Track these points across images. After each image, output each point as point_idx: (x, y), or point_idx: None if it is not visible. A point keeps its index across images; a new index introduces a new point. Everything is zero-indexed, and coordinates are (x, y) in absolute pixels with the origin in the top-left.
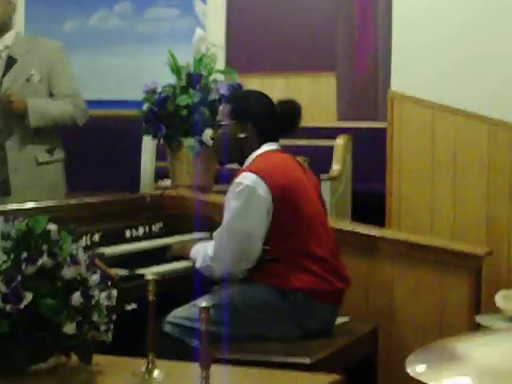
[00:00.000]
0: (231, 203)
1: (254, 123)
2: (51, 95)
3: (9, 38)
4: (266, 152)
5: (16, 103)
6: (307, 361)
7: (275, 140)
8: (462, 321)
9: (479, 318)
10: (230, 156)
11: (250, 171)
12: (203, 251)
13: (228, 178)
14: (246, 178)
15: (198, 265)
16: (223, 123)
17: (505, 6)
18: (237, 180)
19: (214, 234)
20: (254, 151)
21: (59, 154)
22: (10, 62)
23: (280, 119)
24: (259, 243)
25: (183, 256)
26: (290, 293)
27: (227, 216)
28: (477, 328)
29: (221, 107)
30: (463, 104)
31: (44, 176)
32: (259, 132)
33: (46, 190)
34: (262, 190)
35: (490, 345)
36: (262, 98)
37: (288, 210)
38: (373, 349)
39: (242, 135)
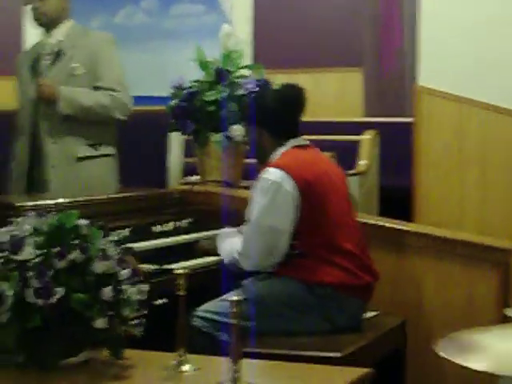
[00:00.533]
0: (258, 199)
1: (260, 126)
2: (95, 88)
3: (63, 30)
4: (292, 148)
5: (45, 87)
6: (337, 355)
7: (296, 133)
8: (490, 314)
9: (508, 311)
10: (256, 156)
11: (276, 167)
12: (231, 247)
13: (256, 173)
14: (272, 174)
15: (226, 260)
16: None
17: None
18: (263, 176)
19: (243, 230)
20: (275, 150)
21: (106, 150)
22: (58, 54)
23: (288, 109)
24: (287, 238)
25: (211, 251)
26: (318, 287)
27: (255, 212)
28: (505, 321)
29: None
30: (490, 98)
31: (87, 171)
32: (273, 133)
33: (89, 185)
34: (289, 185)
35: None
36: (270, 99)
37: (315, 205)
38: (401, 342)
39: (258, 138)
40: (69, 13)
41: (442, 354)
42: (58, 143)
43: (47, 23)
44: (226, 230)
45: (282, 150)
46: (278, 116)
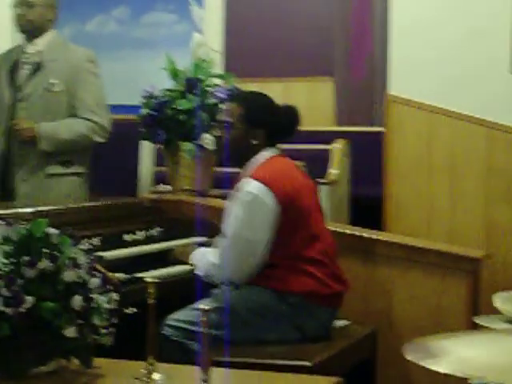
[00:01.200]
0: (236, 211)
1: (265, 130)
2: (72, 107)
3: (44, 40)
4: (270, 158)
5: (25, 131)
6: (307, 364)
7: (274, 145)
8: (460, 323)
9: (478, 319)
10: (235, 159)
11: (255, 179)
12: (206, 258)
13: (227, 182)
14: (251, 186)
15: (200, 272)
16: (230, 124)
17: (505, 11)
18: (243, 187)
19: (219, 241)
20: (256, 154)
21: (77, 169)
22: (37, 67)
23: (283, 126)
24: (264, 251)
25: (183, 260)
26: (289, 295)
27: (232, 224)
28: (475, 329)
29: (225, 105)
30: (460, 107)
31: (54, 187)
32: (268, 139)
33: (55, 200)
34: (268, 198)
35: (477, 342)
36: (271, 102)
37: (291, 217)
38: (372, 352)
39: (254, 142)
40: (53, 24)
41: (409, 357)
42: (29, 158)
43: (31, 31)
44: (197, 238)
45: (258, 158)
46: (282, 129)
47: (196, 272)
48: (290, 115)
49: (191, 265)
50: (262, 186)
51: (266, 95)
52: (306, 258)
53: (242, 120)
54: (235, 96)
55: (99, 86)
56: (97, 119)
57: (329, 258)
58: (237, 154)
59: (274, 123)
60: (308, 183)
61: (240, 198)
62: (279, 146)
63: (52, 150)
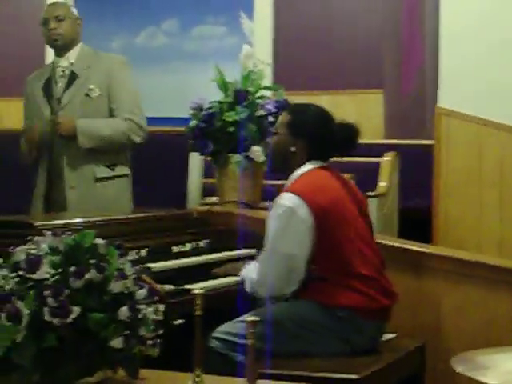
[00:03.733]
0: (272, 225)
1: (306, 141)
2: (111, 110)
3: (73, 53)
4: (310, 170)
5: (63, 125)
6: (355, 377)
7: (324, 159)
8: (510, 337)
9: None
10: (275, 165)
11: (291, 192)
12: (250, 275)
13: (276, 194)
14: (286, 199)
15: (247, 289)
16: (278, 131)
17: None
18: (278, 201)
19: (259, 257)
20: (299, 167)
21: (122, 170)
22: (72, 77)
23: (335, 141)
24: (303, 264)
25: (232, 273)
26: (336, 310)
27: (269, 239)
28: None
29: (280, 116)
30: (510, 119)
31: (104, 192)
32: (309, 150)
33: (106, 206)
34: (303, 211)
35: None
36: (323, 116)
37: (330, 230)
38: (420, 366)
39: (292, 149)
40: (80, 37)
41: (458, 369)
42: (76, 164)
43: (61, 45)
44: (245, 251)
45: (300, 170)
46: (327, 134)
47: (244, 287)
48: (344, 132)
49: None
50: (296, 198)
51: (321, 109)
52: (353, 273)
53: (286, 127)
54: (289, 105)
55: (134, 89)
56: (135, 119)
57: (377, 271)
58: (277, 159)
59: (320, 136)
60: (353, 195)
61: (275, 212)
62: (321, 162)
63: (91, 146)
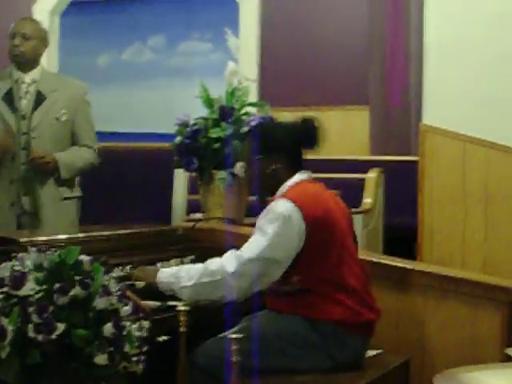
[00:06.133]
0: (264, 228)
1: (281, 155)
2: (73, 135)
3: (36, 72)
4: (300, 182)
5: (49, 164)
6: None
7: (304, 167)
8: (494, 354)
9: (510, 351)
10: (262, 191)
11: (286, 199)
12: (209, 267)
13: (261, 210)
14: (281, 206)
15: (204, 279)
16: (248, 162)
17: None
18: (272, 207)
19: (241, 253)
20: (285, 181)
21: (77, 191)
22: (40, 97)
23: (297, 141)
24: (281, 271)
25: (144, 280)
26: (320, 324)
27: (256, 240)
28: (508, 360)
29: (244, 146)
30: (495, 137)
31: (67, 211)
32: (288, 162)
33: (69, 224)
34: (297, 218)
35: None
36: (287, 127)
37: (320, 240)
38: (404, 381)
39: (272, 168)
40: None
41: None
42: (48, 184)
43: (23, 63)
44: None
45: (289, 182)
46: (298, 147)
47: (180, 284)
48: (304, 128)
49: (154, 285)
50: (290, 204)
51: (281, 122)
52: (338, 284)
53: (257, 151)
54: (252, 132)
55: (92, 115)
56: (95, 146)
57: (361, 285)
58: (262, 184)
59: (289, 146)
60: (341, 209)
61: (268, 216)
62: (312, 174)
63: (70, 177)
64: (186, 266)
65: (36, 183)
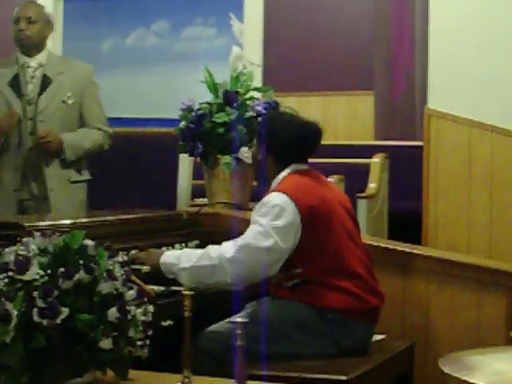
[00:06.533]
0: (259, 220)
1: (270, 150)
2: (82, 118)
3: (42, 56)
4: (291, 174)
5: (54, 144)
6: (344, 378)
7: (299, 161)
8: (498, 338)
9: None
10: (258, 176)
11: (280, 191)
12: (208, 252)
13: (260, 195)
14: (275, 198)
15: (202, 262)
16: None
17: None
18: (265, 199)
19: (239, 240)
20: (276, 174)
21: (86, 175)
22: (46, 81)
23: (303, 143)
24: (281, 261)
25: (145, 263)
26: (325, 311)
27: (254, 230)
28: None
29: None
30: (500, 121)
31: (75, 194)
32: (276, 159)
33: (77, 208)
34: (291, 209)
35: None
36: (287, 129)
37: (318, 230)
38: (409, 366)
39: (259, 157)
40: (47, 42)
41: (445, 370)
42: (55, 167)
43: (29, 47)
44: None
45: (282, 175)
46: (291, 150)
47: (178, 266)
48: (310, 133)
49: (158, 267)
50: (284, 196)
51: (275, 103)
52: (342, 271)
53: (256, 140)
54: (247, 121)
55: (100, 98)
56: (107, 128)
57: (365, 270)
58: (260, 173)
59: (279, 146)
60: (337, 196)
61: (262, 208)
62: (317, 160)
63: (76, 158)
64: (189, 250)
65: (43, 167)
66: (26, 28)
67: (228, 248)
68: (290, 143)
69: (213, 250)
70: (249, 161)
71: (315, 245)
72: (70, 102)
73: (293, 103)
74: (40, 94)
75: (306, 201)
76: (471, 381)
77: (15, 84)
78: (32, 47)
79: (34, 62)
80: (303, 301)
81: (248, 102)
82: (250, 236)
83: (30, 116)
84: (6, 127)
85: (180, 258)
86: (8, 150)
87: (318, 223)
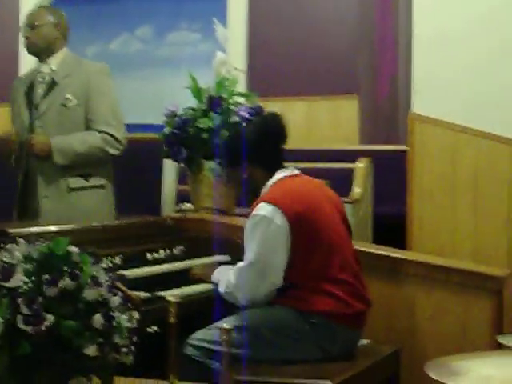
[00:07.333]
0: (249, 236)
1: (252, 162)
2: (87, 121)
3: (55, 59)
4: (280, 180)
5: (38, 145)
6: (328, 383)
7: (282, 163)
8: (484, 342)
9: (501, 339)
10: (246, 196)
11: (265, 201)
12: (227, 277)
13: (246, 204)
14: (262, 209)
15: (221, 290)
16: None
17: None
18: (254, 212)
19: (238, 264)
20: (265, 182)
21: (98, 181)
22: (52, 85)
23: (269, 132)
24: (280, 273)
25: (204, 279)
26: (310, 315)
27: (247, 248)
28: (499, 348)
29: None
30: (484, 126)
31: (79, 202)
32: (263, 166)
33: (81, 216)
34: (279, 219)
35: (500, 361)
36: (251, 132)
37: (306, 236)
38: (395, 371)
39: (244, 177)
40: (64, 42)
41: (432, 375)
42: (50, 175)
43: (38, 52)
44: (219, 257)
45: (271, 182)
46: (266, 147)
47: (218, 289)
48: (269, 127)
49: (212, 283)
50: (270, 206)
51: (259, 108)
52: (328, 277)
53: (227, 166)
54: (231, 126)
55: (113, 99)
56: (111, 131)
57: (354, 275)
58: (250, 189)
59: (257, 152)
60: (329, 198)
61: (251, 222)
62: (301, 165)
63: (67, 163)
64: (224, 271)
65: (37, 174)
66: (29, 35)
67: (232, 273)
68: (263, 140)
69: (230, 275)
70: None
71: (302, 249)
72: (71, 104)
73: (277, 108)
74: (43, 98)
75: (293, 207)
76: None
77: (29, 93)
78: (40, 52)
79: (45, 68)
80: (288, 305)
81: (232, 107)
82: (247, 256)
83: (30, 121)
84: (3, 152)
85: (218, 280)
86: (17, 164)
87: (306, 228)
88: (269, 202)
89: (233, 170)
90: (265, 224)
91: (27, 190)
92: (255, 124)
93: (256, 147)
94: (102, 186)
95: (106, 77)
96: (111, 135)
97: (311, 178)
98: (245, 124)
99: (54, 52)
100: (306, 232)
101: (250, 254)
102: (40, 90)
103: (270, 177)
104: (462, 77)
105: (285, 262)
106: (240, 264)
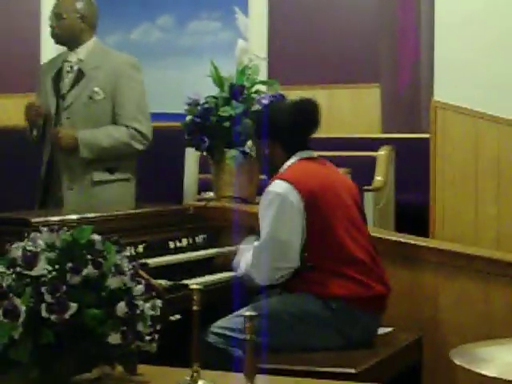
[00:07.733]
0: (264, 213)
1: (274, 139)
2: (114, 114)
3: (84, 49)
4: (298, 161)
5: (65, 138)
6: (352, 371)
7: (305, 147)
8: (506, 329)
9: None
10: (267, 171)
11: (280, 179)
12: (246, 257)
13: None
14: (276, 186)
15: (240, 270)
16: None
17: None
18: (268, 189)
19: (255, 243)
20: (284, 162)
21: (122, 175)
22: (79, 76)
23: (304, 123)
24: (297, 250)
25: (228, 267)
26: (331, 301)
27: (263, 225)
28: None
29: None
30: (507, 112)
31: (101, 195)
32: (283, 146)
33: (102, 206)
34: (294, 196)
35: None
36: (284, 110)
37: (322, 215)
38: (417, 359)
39: (269, 151)
40: (92, 33)
41: (456, 361)
42: (74, 167)
43: (63, 43)
44: (241, 246)
45: (289, 162)
46: (292, 130)
47: (238, 271)
48: (300, 113)
49: (233, 268)
50: (286, 184)
51: (279, 105)
52: (346, 258)
53: (254, 134)
54: (253, 114)
55: (141, 93)
56: (137, 126)
57: (371, 257)
58: (264, 164)
59: (282, 131)
60: (344, 184)
61: (265, 199)
62: (322, 153)
63: (93, 157)
64: (244, 253)
65: (62, 166)
66: (55, 25)
67: (250, 254)
68: (291, 122)
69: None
70: (254, 154)
71: (318, 230)
72: (98, 97)
73: (298, 96)
74: (70, 89)
75: (308, 185)
76: (483, 372)
77: (56, 79)
78: (66, 43)
79: (73, 57)
80: (308, 291)
81: (254, 96)
82: (262, 235)
83: (60, 111)
84: (30, 119)
85: (240, 262)
86: (38, 142)
87: (321, 207)
88: (284, 180)
89: (257, 141)
90: (279, 201)
91: (51, 180)
92: (289, 104)
93: (280, 126)
94: (126, 180)
95: (134, 70)
96: (138, 131)
97: (326, 162)
98: (279, 103)
99: (81, 43)
100: (321, 211)
101: (264, 232)
102: (67, 79)
103: (289, 158)
104: (485, 64)
105: (300, 240)
106: (256, 243)
